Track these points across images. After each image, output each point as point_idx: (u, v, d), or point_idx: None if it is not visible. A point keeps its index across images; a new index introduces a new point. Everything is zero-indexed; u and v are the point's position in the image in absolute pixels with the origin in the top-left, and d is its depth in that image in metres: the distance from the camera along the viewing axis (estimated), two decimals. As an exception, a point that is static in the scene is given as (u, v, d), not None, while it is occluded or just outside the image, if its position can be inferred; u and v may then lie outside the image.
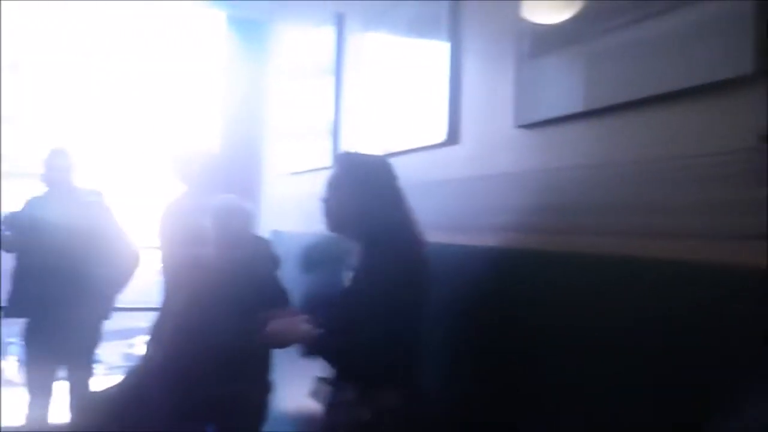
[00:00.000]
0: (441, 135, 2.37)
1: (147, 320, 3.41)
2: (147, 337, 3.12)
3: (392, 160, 2.16)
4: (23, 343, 3.61)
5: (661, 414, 1.45)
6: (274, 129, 4.42)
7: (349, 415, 2.01)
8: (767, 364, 1.23)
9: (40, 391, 3.54)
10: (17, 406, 3.78)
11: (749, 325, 1.29)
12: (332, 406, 2.09)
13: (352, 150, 2.23)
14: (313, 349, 2.08)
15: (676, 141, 1.51)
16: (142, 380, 2.88)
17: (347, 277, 2.13)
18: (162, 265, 3.28)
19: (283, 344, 2.23)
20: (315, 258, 3.02)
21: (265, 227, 3.92)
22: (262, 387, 2.94)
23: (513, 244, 2.00)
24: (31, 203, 3.65)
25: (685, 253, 1.43)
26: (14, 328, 3.76)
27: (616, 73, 1.66)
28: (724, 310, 1.34)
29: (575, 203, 1.77)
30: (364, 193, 2.05)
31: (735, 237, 1.34)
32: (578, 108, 1.77)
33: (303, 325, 2.11)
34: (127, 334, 7.44)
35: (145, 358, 2.97)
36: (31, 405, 3.54)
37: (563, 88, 1.83)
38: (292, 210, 4.00)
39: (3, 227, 3.57)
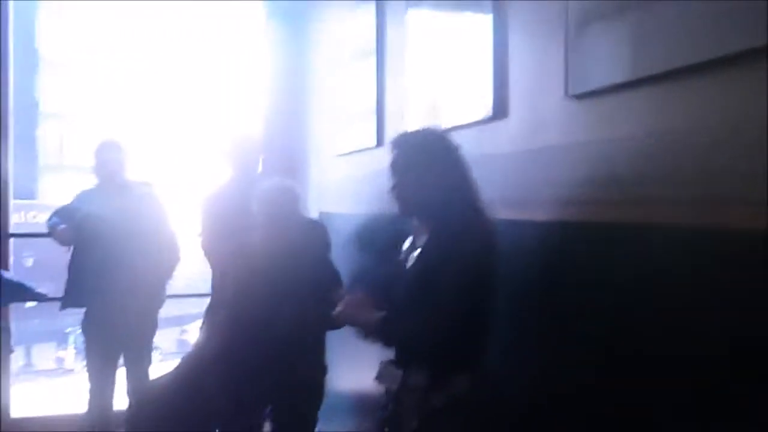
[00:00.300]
0: (488, 110, 2.33)
1: (199, 306, 3.46)
2: (200, 324, 3.16)
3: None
4: (82, 332, 3.68)
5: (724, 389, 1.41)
6: (319, 112, 4.42)
7: (419, 402, 1.98)
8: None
9: (100, 378, 3.62)
10: (78, 393, 3.86)
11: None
12: (400, 391, 2.06)
13: (407, 130, 2.19)
14: (379, 331, 2.06)
15: (732, 107, 1.45)
16: (199, 366, 2.91)
17: (411, 258, 2.10)
18: (207, 250, 3.30)
19: (351, 324, 2.19)
20: (372, 239, 3.02)
21: (313, 209, 3.93)
22: (318, 369, 2.95)
23: (567, 218, 1.95)
24: (83, 196, 3.70)
25: (743, 221, 1.37)
26: (73, 318, 3.83)
27: (669, 39, 1.60)
28: None
29: (630, 174, 1.72)
30: (429, 171, 2.02)
31: None
32: (630, 76, 1.72)
33: (371, 306, 2.09)
34: (181, 321, 7.56)
35: (200, 344, 3.00)
36: (92, 392, 3.62)
37: (614, 56, 1.78)
38: (338, 191, 4.00)
39: (57, 220, 3.63)
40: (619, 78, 1.76)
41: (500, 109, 2.28)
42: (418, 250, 2.06)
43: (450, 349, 1.95)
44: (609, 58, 1.80)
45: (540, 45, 2.11)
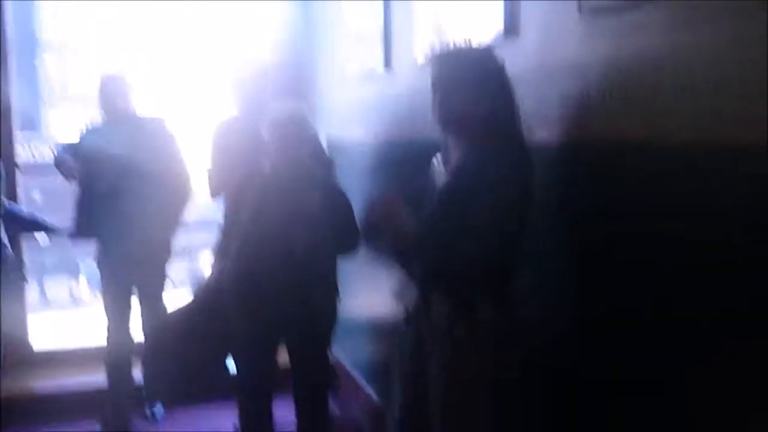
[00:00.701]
0: (499, 29, 2.28)
1: (210, 236, 3.47)
2: (211, 253, 3.17)
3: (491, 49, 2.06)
4: (97, 265, 3.71)
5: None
6: (327, 33, 4.34)
7: (442, 328, 1.97)
8: None
9: (116, 311, 3.67)
10: (93, 325, 3.92)
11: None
12: (420, 320, 2.05)
13: (450, 46, 2.10)
14: (408, 246, 2.02)
15: (753, 22, 1.40)
16: (214, 296, 2.93)
17: (441, 177, 2.06)
18: (218, 181, 3.29)
19: (386, 227, 2.09)
20: (386, 164, 2.99)
21: (320, 133, 3.90)
22: (331, 293, 2.97)
23: (582, 137, 1.93)
24: (90, 132, 3.67)
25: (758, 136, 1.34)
26: (85, 250, 3.87)
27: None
28: None
29: (647, 91, 1.69)
30: (473, 88, 1.96)
31: None
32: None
33: (405, 212, 2.03)
34: (192, 251, 7.60)
35: (214, 274, 3.02)
36: (110, 325, 3.67)
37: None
38: (346, 115, 3.96)
39: (63, 155, 3.62)
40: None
41: (512, 28, 2.23)
42: (454, 171, 2.01)
43: (475, 271, 1.93)
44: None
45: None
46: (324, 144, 3.46)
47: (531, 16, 2.16)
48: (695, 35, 1.54)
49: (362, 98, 3.75)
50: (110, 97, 3.58)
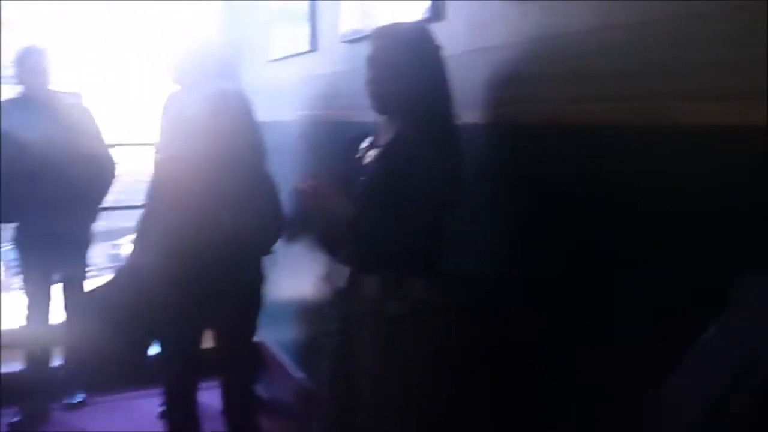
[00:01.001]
0: (425, 11, 2.29)
1: (131, 220, 3.38)
2: (133, 236, 3.10)
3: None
4: (16, 248, 3.59)
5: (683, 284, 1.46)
6: (251, 17, 4.27)
7: (374, 308, 1.97)
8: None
9: (36, 294, 3.57)
10: (13, 309, 3.80)
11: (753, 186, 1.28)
12: (351, 300, 2.05)
13: (389, 23, 2.09)
14: (339, 227, 2.02)
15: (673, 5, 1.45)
16: (135, 278, 2.87)
17: (371, 156, 2.06)
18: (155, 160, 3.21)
19: (319, 207, 2.09)
20: (314, 145, 2.95)
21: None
22: (256, 277, 2.94)
23: (512, 119, 1.96)
24: (5, 107, 3.53)
25: (693, 116, 1.40)
26: (5, 233, 3.74)
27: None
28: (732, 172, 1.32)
29: (574, 71, 1.73)
30: (408, 67, 1.95)
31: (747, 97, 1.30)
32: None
33: (337, 193, 2.03)
34: (113, 235, 7.41)
35: (135, 255, 2.95)
36: (30, 308, 3.57)
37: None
38: (271, 98, 3.92)
39: None
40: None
41: (438, 11, 2.25)
42: (384, 150, 2.01)
43: (409, 253, 1.94)
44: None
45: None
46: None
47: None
48: (619, 16, 1.59)
49: (288, 79, 3.72)
50: (28, 71, 3.45)
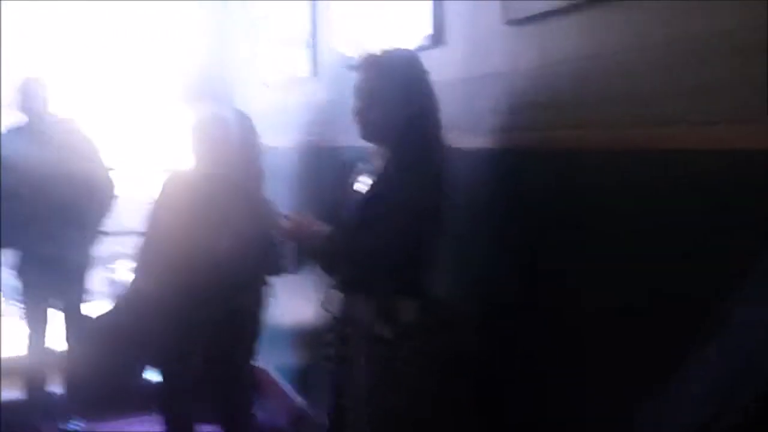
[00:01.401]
0: (426, 37, 2.29)
1: (129, 245, 3.37)
2: (131, 263, 3.08)
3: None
4: (16, 274, 3.57)
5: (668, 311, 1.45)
6: (249, 40, 4.29)
7: (368, 332, 1.97)
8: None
9: (36, 320, 3.55)
10: (13, 336, 3.77)
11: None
12: (345, 324, 2.05)
13: (376, 51, 2.08)
14: (327, 251, 2.03)
15: (668, 26, 1.46)
16: (136, 304, 2.85)
17: (362, 183, 2.07)
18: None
19: (297, 240, 2.17)
20: (311, 171, 2.94)
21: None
22: (256, 303, 2.93)
23: (512, 144, 1.96)
24: (6, 135, 3.53)
25: (689, 140, 1.40)
26: (5, 259, 3.72)
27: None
28: (729, 194, 1.32)
29: (572, 98, 1.73)
30: (395, 96, 1.95)
31: (737, 120, 1.31)
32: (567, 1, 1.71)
33: (318, 224, 2.05)
34: (108, 259, 7.37)
35: (134, 284, 2.93)
36: (30, 335, 3.55)
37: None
38: (268, 123, 3.93)
39: None
40: (555, 4, 1.75)
41: (439, 37, 2.25)
42: (373, 176, 2.02)
43: (399, 276, 1.95)
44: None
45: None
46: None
47: (457, 24, 2.19)
48: (617, 44, 1.59)
49: (287, 104, 3.72)
50: (27, 100, 3.45)
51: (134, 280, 2.94)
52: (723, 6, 1.33)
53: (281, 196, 3.15)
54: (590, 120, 1.67)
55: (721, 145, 1.33)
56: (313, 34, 3.30)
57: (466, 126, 2.07)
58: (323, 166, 3.14)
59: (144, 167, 4.62)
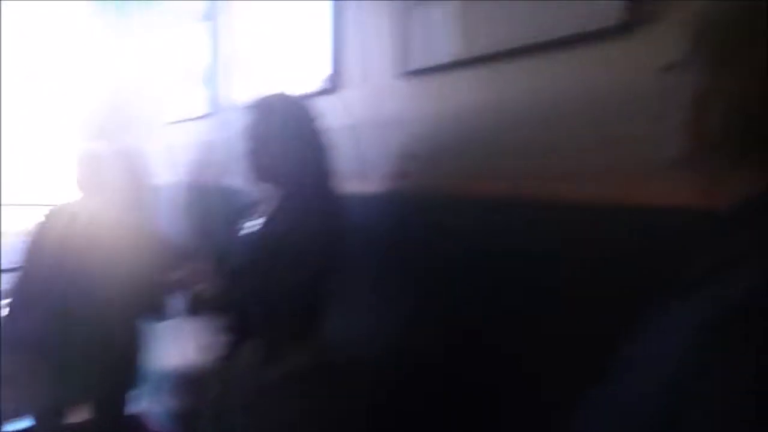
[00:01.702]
0: (324, 82, 2.31)
1: (6, 282, 3.20)
2: (8, 300, 2.93)
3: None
4: None
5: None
6: (148, 79, 4.21)
7: (254, 375, 1.94)
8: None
9: None
10: None
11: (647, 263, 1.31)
12: (230, 365, 2.02)
13: (269, 93, 2.09)
14: (216, 297, 2.01)
15: (563, 85, 1.52)
16: (8, 347, 2.70)
17: (254, 225, 2.05)
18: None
19: (186, 290, 2.14)
20: (203, 209, 2.89)
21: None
22: (135, 349, 2.83)
23: (403, 191, 1.98)
24: None
25: (581, 193, 1.45)
26: None
27: (498, 21, 1.66)
28: (624, 247, 1.37)
29: (463, 148, 1.77)
30: (287, 138, 1.95)
31: (634, 174, 1.36)
32: (462, 55, 1.77)
33: (208, 272, 2.04)
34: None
35: (8, 323, 2.78)
36: None
37: (444, 36, 1.82)
38: (165, 161, 3.85)
39: None
40: (447, 58, 1.80)
41: (336, 82, 2.27)
42: (264, 217, 2.01)
43: (289, 320, 1.93)
44: (439, 38, 1.84)
45: (374, 20, 2.12)
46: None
47: (355, 71, 2.22)
48: (510, 98, 1.65)
49: (183, 142, 3.66)
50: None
51: (8, 317, 2.78)
52: (618, 60, 1.40)
53: (173, 234, 3.08)
54: (480, 170, 1.72)
55: (612, 199, 1.38)
56: (213, 74, 3.28)
57: (359, 171, 2.08)
58: (216, 206, 3.09)
59: (33, 202, 4.43)
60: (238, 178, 2.56)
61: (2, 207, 3.47)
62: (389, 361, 2.05)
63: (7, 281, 2.99)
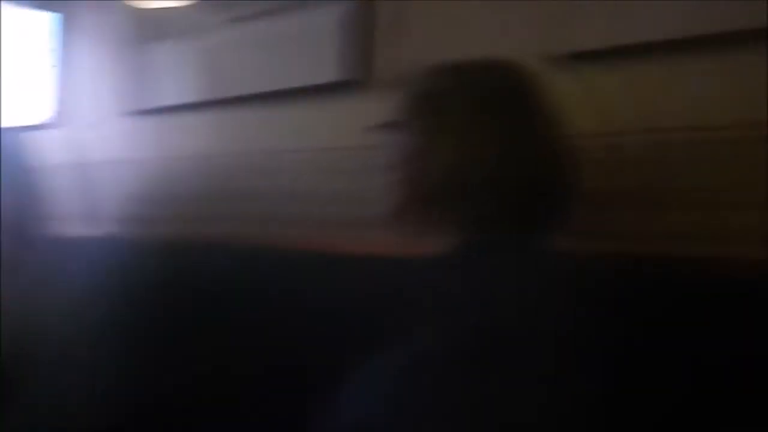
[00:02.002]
0: (45, 116, 2.19)
1: None
2: None
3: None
4: None
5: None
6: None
7: None
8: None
9: None
10: None
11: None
12: None
13: None
14: None
15: (294, 135, 1.56)
16: None
17: None
18: None
19: None
20: None
21: None
22: None
23: (126, 234, 1.91)
24: None
25: (311, 241, 1.47)
26: None
27: (234, 66, 1.67)
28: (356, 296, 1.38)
29: (191, 192, 1.75)
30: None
31: (358, 226, 1.40)
32: (194, 98, 1.77)
33: None
34: None
35: None
36: None
37: (178, 77, 1.80)
38: None
39: None
40: (178, 99, 1.79)
41: (60, 117, 2.16)
42: None
43: None
44: (173, 79, 1.82)
45: (102, 56, 2.05)
46: None
47: (81, 108, 2.13)
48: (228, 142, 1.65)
49: None
50: None
51: None
52: (343, 115, 1.46)
53: None
54: (204, 215, 1.70)
55: (330, 247, 1.41)
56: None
57: (80, 212, 1.98)
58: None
59: None
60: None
61: None
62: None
63: None
